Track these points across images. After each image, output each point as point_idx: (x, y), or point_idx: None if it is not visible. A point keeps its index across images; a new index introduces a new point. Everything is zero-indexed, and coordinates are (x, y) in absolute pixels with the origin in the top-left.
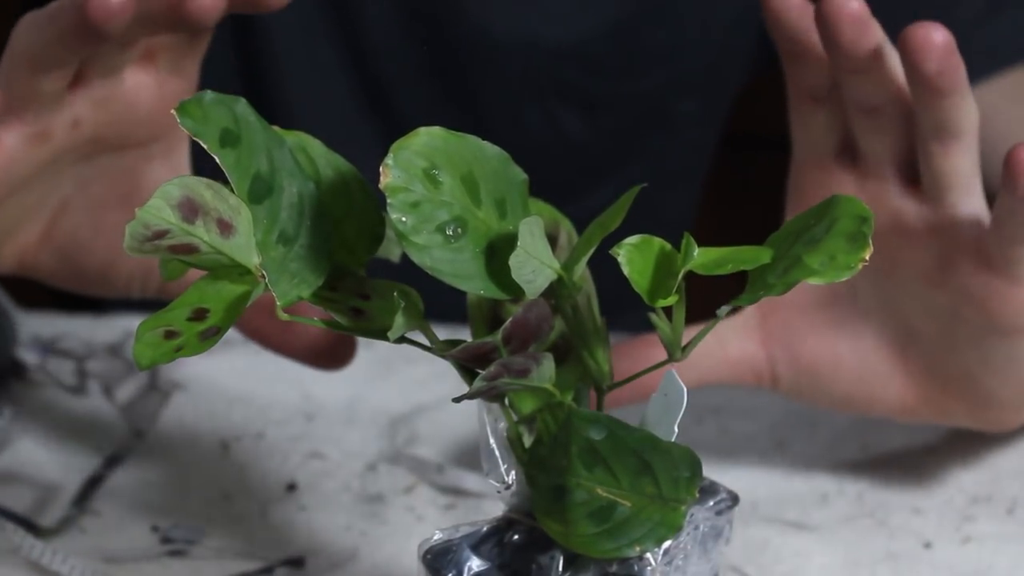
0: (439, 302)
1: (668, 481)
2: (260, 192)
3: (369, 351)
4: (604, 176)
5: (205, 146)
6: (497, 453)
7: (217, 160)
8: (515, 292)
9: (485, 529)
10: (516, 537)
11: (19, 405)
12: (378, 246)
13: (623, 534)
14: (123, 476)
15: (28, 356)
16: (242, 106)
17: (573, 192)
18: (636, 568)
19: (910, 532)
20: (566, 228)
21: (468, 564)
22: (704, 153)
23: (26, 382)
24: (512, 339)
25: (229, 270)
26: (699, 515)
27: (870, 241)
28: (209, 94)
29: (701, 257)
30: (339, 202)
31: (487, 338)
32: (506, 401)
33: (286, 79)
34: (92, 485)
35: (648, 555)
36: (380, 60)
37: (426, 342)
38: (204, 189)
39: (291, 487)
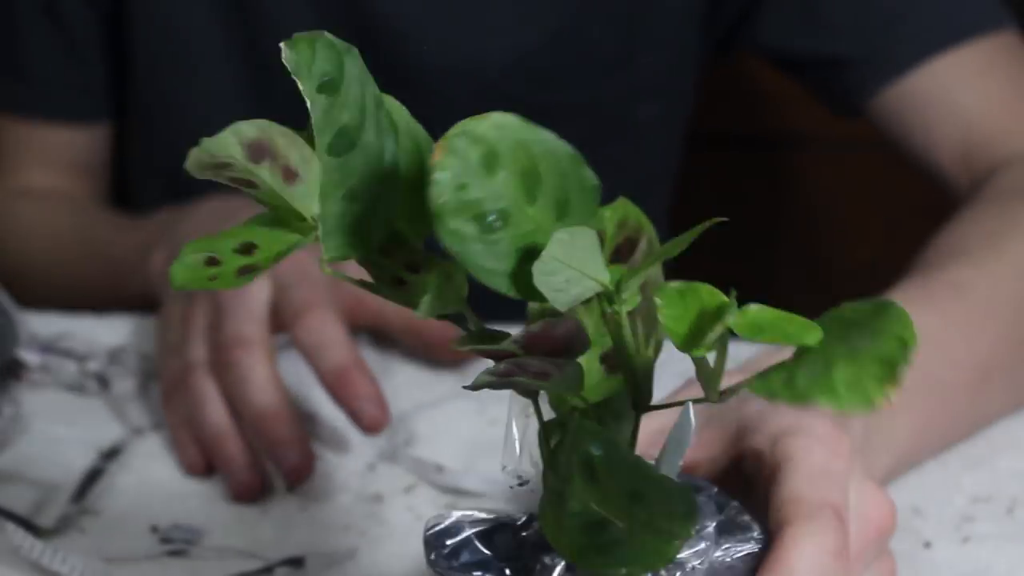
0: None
1: (662, 513)
2: (341, 146)
3: (369, 351)
4: None
5: (301, 86)
6: (519, 448)
7: (308, 105)
8: (541, 297)
9: (500, 520)
10: (525, 534)
11: (19, 405)
12: None
13: (613, 553)
14: (122, 476)
15: (28, 356)
16: (352, 57)
17: None
18: None
19: (910, 532)
20: (648, 236)
21: (467, 549)
22: (670, 157)
23: (26, 382)
24: (535, 350)
25: (287, 214)
26: (718, 554)
27: (900, 376)
28: (326, 35)
29: (743, 317)
30: (411, 172)
31: (503, 345)
32: (540, 400)
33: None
34: (91, 480)
35: None
36: None
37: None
38: (279, 136)
39: (291, 487)
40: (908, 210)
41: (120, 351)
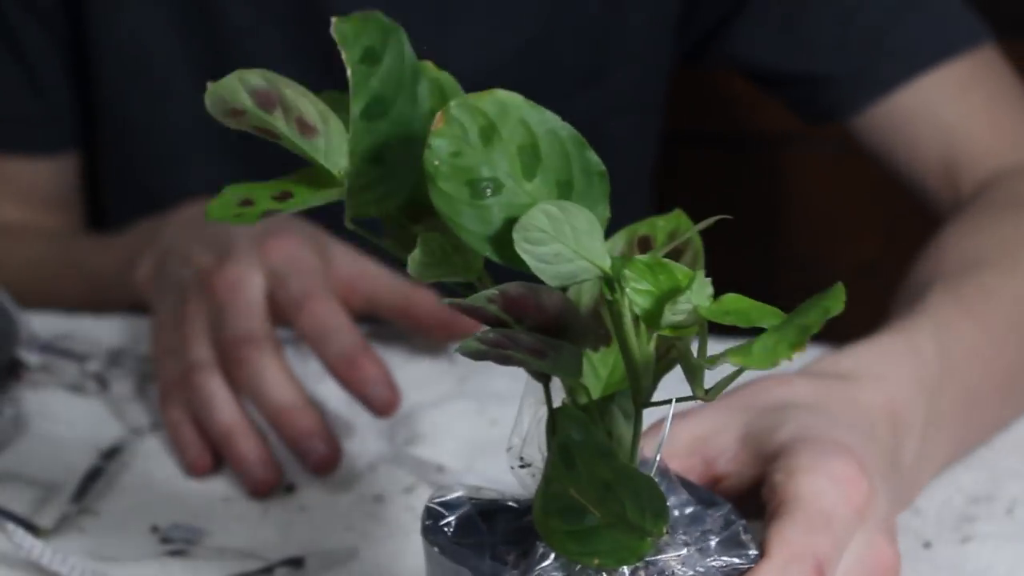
0: None
1: (635, 509)
2: (374, 112)
3: None
4: None
5: (344, 55)
6: (526, 430)
7: (348, 73)
8: (523, 266)
9: (503, 502)
10: (529, 519)
11: (19, 405)
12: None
13: (588, 542)
14: (122, 476)
15: (28, 356)
16: (397, 34)
17: None
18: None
19: (910, 532)
20: (695, 248)
21: (464, 526)
22: (644, 165)
23: (26, 382)
24: (523, 317)
25: (319, 171)
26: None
27: (805, 340)
28: (377, 14)
29: (718, 304)
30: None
31: (473, 300)
32: (550, 386)
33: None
34: (91, 480)
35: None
36: None
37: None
38: (285, 87)
39: (291, 487)
40: (908, 210)
41: (120, 351)
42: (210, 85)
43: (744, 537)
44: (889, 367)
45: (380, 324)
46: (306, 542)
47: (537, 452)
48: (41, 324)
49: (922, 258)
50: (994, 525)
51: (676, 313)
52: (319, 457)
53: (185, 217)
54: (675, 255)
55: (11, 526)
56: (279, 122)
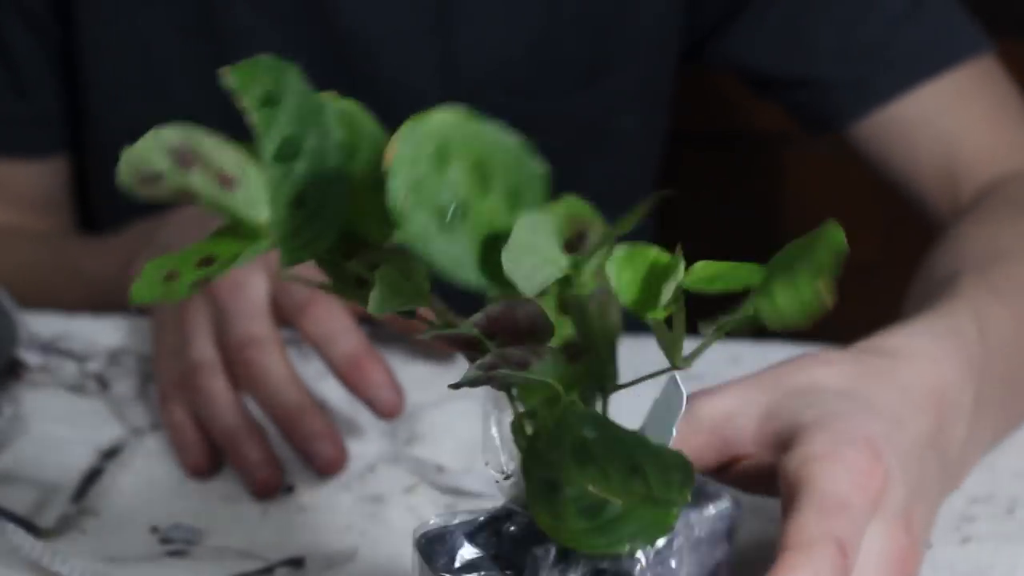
0: None
1: (659, 483)
2: (285, 154)
3: None
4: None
5: (244, 104)
6: (498, 442)
7: (250, 119)
8: (510, 286)
9: (483, 518)
10: (513, 528)
11: (19, 405)
12: None
13: (613, 531)
14: (122, 476)
15: (28, 356)
16: (291, 71)
17: None
18: (626, 566)
19: None
20: (596, 226)
21: (461, 552)
22: (649, 163)
23: (26, 382)
24: (498, 333)
25: (239, 225)
26: (694, 518)
27: (832, 281)
28: (265, 58)
29: (692, 275)
30: (374, 175)
31: (462, 329)
32: (513, 392)
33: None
34: (91, 480)
35: (640, 554)
36: None
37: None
38: (204, 139)
39: (291, 487)
40: (907, 211)
41: (120, 351)
42: (125, 152)
43: (710, 488)
44: (937, 347)
45: (379, 326)
46: (306, 542)
47: (512, 459)
48: (41, 324)
49: (939, 252)
50: (994, 525)
51: (666, 294)
52: (326, 458)
53: (183, 217)
54: (579, 239)
55: (11, 526)
56: (196, 180)
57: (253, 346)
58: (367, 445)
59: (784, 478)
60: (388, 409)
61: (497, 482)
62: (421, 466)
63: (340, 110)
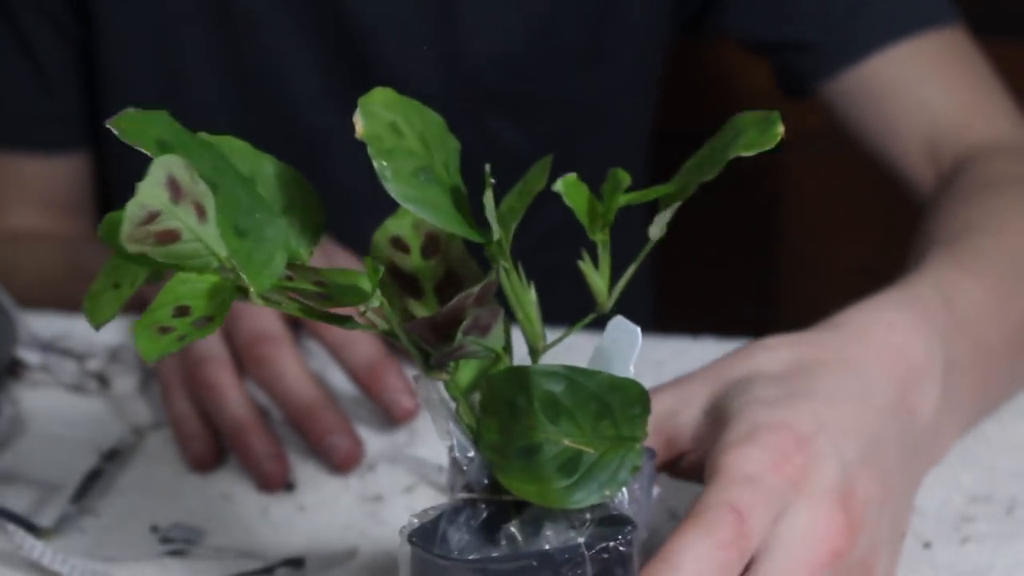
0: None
1: (625, 420)
2: (212, 186)
3: None
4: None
5: (143, 149)
6: (453, 426)
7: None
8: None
9: (452, 508)
10: (483, 514)
11: (19, 405)
12: (320, 236)
13: (592, 480)
14: (122, 476)
15: (28, 356)
16: (166, 118)
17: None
18: (615, 505)
19: (910, 532)
20: (437, 229)
21: (453, 537)
22: (640, 146)
23: (26, 382)
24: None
25: (196, 262)
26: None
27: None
28: (130, 110)
29: (627, 197)
30: (278, 198)
31: (465, 293)
32: (442, 391)
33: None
34: (91, 480)
35: (621, 492)
36: (302, 102)
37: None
38: (183, 169)
39: (291, 487)
40: (906, 210)
41: (120, 350)
42: (139, 188)
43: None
44: (897, 315)
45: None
46: (306, 542)
47: (466, 442)
48: (41, 324)
49: (913, 242)
50: (993, 525)
51: (611, 209)
52: (343, 453)
53: None
54: (431, 242)
55: (11, 526)
56: (183, 213)
57: (264, 342)
58: (367, 445)
59: (706, 468)
60: (404, 415)
61: (465, 468)
62: (421, 466)
63: (219, 143)
